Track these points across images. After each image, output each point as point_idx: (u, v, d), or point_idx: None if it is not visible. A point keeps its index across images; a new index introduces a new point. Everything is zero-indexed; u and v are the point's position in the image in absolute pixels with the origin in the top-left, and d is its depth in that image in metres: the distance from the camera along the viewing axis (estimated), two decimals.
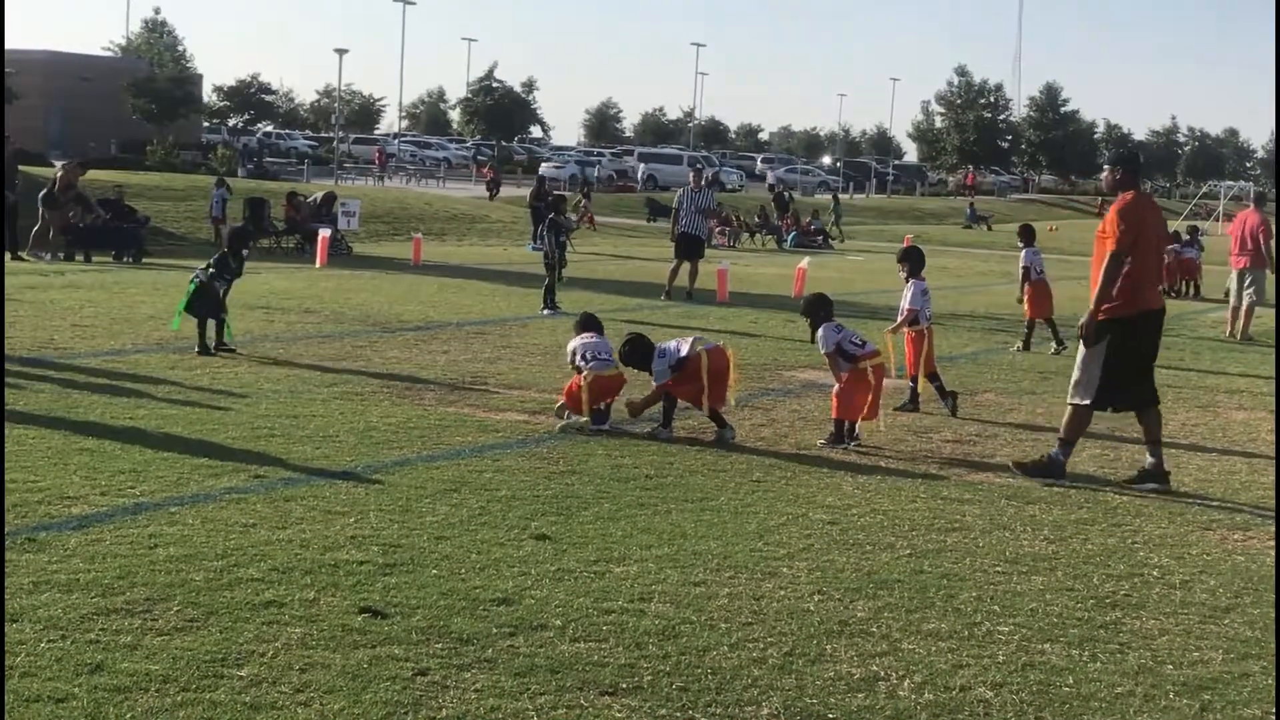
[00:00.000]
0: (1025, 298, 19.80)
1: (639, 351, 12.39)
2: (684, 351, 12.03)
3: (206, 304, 15.52)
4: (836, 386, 12.13)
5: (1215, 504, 10.38)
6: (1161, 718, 6.13)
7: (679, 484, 10.18)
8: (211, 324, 15.57)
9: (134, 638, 6.41)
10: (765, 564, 8.19)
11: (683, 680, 6.25)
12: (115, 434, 10.88)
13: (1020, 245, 20.10)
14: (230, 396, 12.82)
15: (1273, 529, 9.67)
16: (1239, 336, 22.81)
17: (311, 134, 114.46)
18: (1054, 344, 19.13)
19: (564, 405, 12.28)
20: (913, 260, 14.40)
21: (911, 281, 14.08)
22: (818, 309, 12.47)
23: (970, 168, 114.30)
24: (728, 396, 12.12)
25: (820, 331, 12.23)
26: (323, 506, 8.99)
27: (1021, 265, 19.81)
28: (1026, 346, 19.35)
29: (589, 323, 13.00)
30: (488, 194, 55.26)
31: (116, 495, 9.00)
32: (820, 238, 49.59)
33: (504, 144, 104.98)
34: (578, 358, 12.37)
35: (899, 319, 14.15)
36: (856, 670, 6.51)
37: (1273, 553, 9.03)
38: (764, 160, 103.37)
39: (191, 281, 15.72)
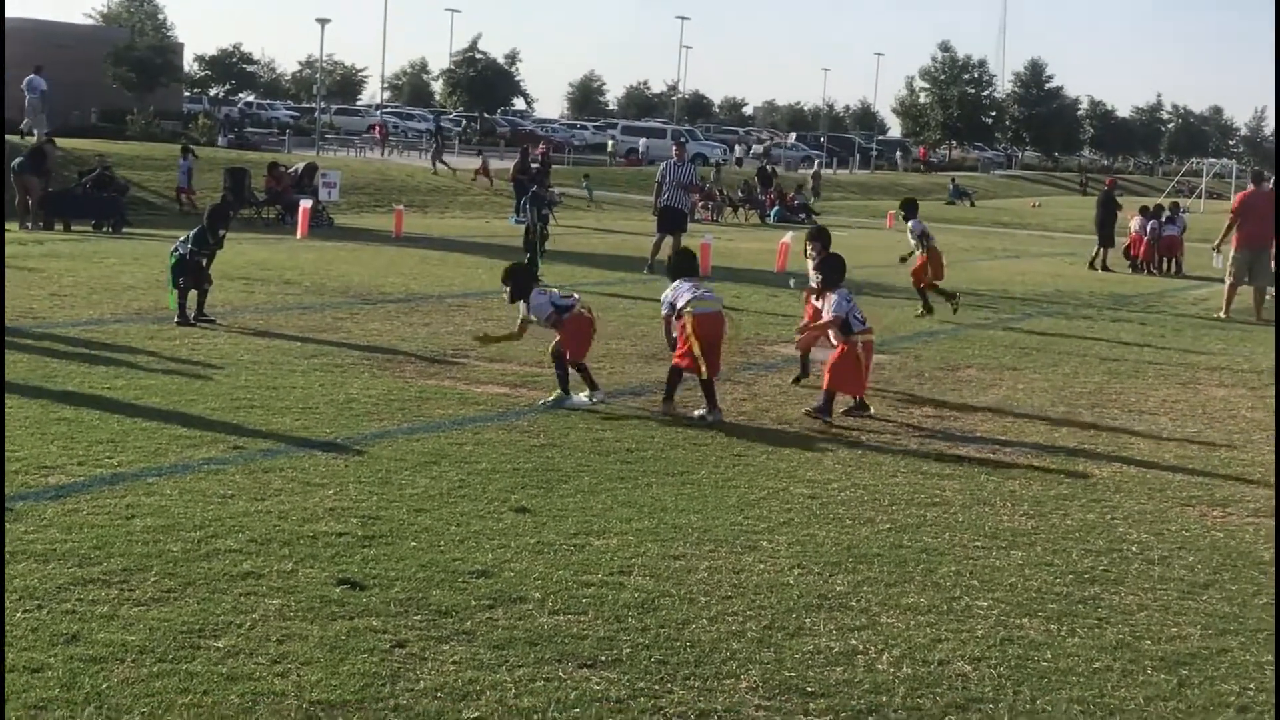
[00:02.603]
0: (918, 264, 20.08)
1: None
2: (678, 301, 11.89)
3: (189, 275, 15.45)
4: (830, 359, 12.11)
5: (1195, 480, 10.40)
6: (1139, 693, 6.15)
7: (659, 457, 10.17)
8: (193, 294, 15.50)
9: (110, 608, 6.39)
10: (745, 538, 8.19)
11: (661, 653, 6.25)
12: (93, 404, 10.83)
13: (905, 218, 20.41)
14: (209, 367, 12.77)
15: (1251, 505, 9.70)
16: (1258, 318, 22.57)
17: (293, 104, 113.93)
18: (922, 309, 19.91)
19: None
20: (828, 258, 13.02)
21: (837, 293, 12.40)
22: (838, 272, 12.46)
23: (921, 145, 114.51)
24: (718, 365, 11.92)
25: (834, 296, 12.18)
26: (302, 478, 8.96)
27: (915, 235, 20.04)
28: (929, 310, 19.91)
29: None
30: (431, 167, 53.64)
31: (94, 465, 8.96)
32: (804, 214, 49.53)
33: (486, 116, 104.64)
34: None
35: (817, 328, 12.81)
36: (835, 644, 6.51)
37: (1251, 529, 9.05)
38: (738, 141, 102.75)
39: (171, 255, 15.64)
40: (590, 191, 49.95)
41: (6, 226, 26.71)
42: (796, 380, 13.55)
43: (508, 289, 12.25)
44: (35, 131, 37.39)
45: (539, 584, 7.10)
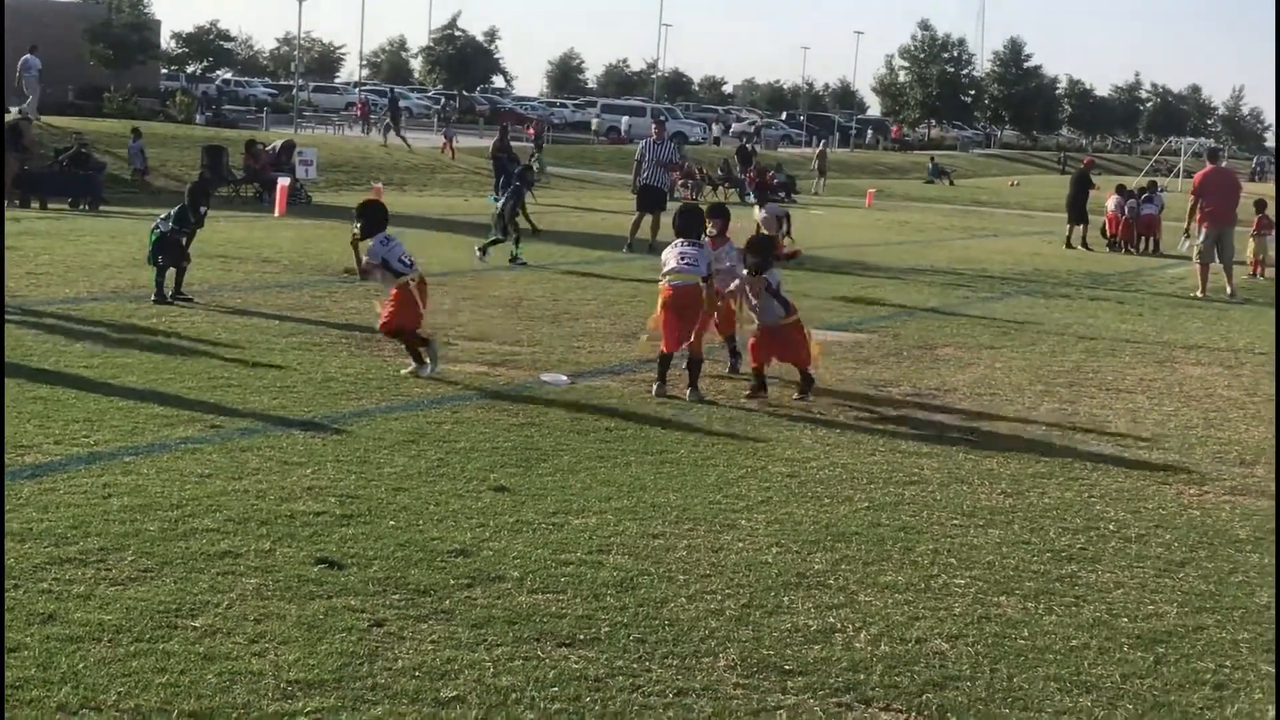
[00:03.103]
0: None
1: (367, 220, 12.36)
2: (665, 264, 11.88)
3: (168, 253, 15.36)
4: (751, 340, 12.06)
5: (1171, 458, 10.44)
6: (1116, 670, 6.17)
7: (638, 436, 10.17)
8: (171, 272, 15.42)
9: (87, 587, 6.36)
10: (724, 516, 8.19)
11: (640, 631, 6.25)
12: (70, 382, 10.78)
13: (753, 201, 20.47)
14: (187, 346, 12.72)
15: (1228, 483, 9.74)
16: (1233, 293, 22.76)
17: (270, 82, 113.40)
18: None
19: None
20: (723, 219, 13.24)
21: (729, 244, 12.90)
22: (767, 254, 12.31)
23: (896, 124, 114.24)
24: (694, 339, 11.73)
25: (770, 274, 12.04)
26: (279, 457, 8.94)
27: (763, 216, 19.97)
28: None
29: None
30: (383, 140, 53.90)
31: (71, 444, 8.92)
32: (784, 193, 49.46)
33: (465, 94, 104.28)
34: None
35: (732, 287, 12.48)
36: (813, 622, 6.52)
37: (1227, 507, 9.09)
38: (716, 120, 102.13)
39: (152, 233, 15.54)
40: (544, 164, 49.68)
41: None
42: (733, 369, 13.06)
43: (359, 223, 12.37)
44: (33, 109, 37.94)
45: (518, 563, 7.10)
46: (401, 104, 63.34)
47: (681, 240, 12.03)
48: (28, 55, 39.22)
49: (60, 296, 15.44)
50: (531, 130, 56.78)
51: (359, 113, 74.14)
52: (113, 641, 5.75)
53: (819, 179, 57.96)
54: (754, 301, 12.00)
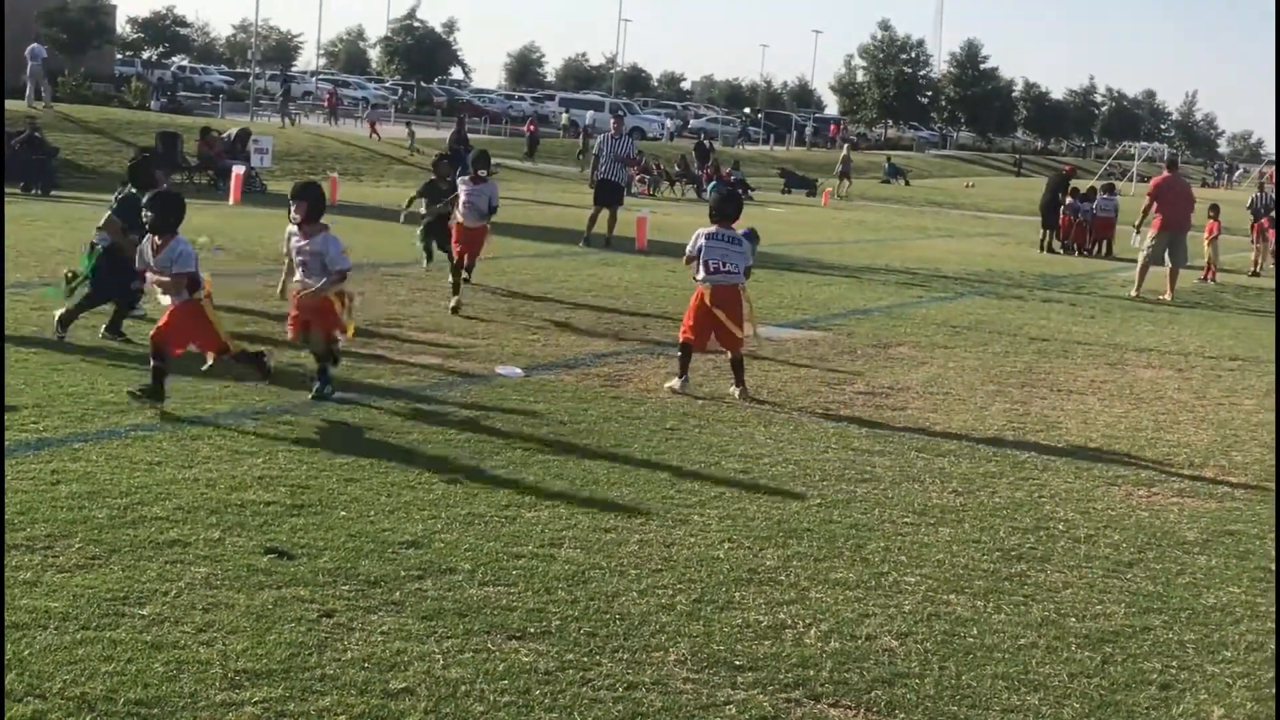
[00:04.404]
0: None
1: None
2: (700, 251, 11.68)
3: (105, 285, 14.89)
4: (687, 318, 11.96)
5: (1121, 460, 10.52)
6: (1063, 669, 6.21)
7: (592, 430, 10.16)
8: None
9: (34, 574, 6.30)
10: (676, 511, 8.20)
11: (590, 625, 6.25)
12: (19, 369, 10.67)
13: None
14: (138, 334, 12.59)
15: (1176, 485, 9.82)
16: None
17: (227, 69, 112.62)
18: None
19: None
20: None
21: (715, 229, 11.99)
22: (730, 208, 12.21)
23: (839, 121, 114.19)
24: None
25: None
26: (230, 446, 8.88)
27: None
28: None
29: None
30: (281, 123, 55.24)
31: (19, 430, 8.83)
32: (742, 189, 49.51)
33: (423, 85, 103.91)
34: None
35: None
36: (764, 618, 6.53)
37: (1175, 509, 9.17)
38: (671, 116, 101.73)
39: (89, 252, 15.02)
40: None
41: None
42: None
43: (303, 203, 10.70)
44: (43, 96, 40.01)
45: (469, 555, 7.08)
46: (295, 88, 66.70)
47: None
48: (34, 44, 41.73)
49: (11, 281, 15.26)
50: (531, 127, 58.47)
51: (328, 104, 73.79)
52: (59, 629, 5.70)
53: (843, 182, 56.16)
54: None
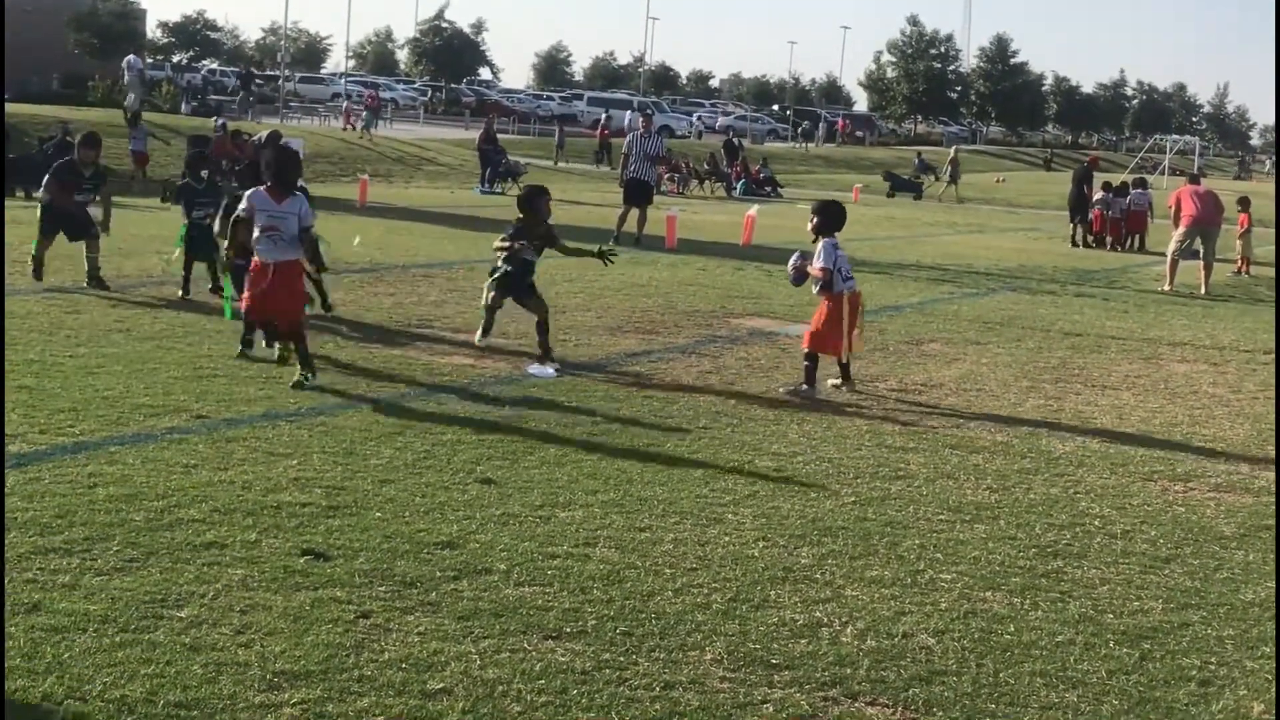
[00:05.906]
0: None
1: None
2: (838, 267, 11.96)
3: (196, 244, 15.15)
4: (810, 326, 12.16)
5: (1157, 455, 10.46)
6: (1101, 666, 6.18)
7: (625, 430, 10.16)
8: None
9: (72, 577, 6.34)
10: (710, 510, 8.19)
11: (626, 625, 6.25)
12: (55, 372, 10.74)
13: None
14: (173, 336, 12.69)
15: (1212, 480, 9.77)
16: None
17: (257, 71, 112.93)
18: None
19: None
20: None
21: (823, 240, 12.20)
22: (834, 219, 12.39)
23: (841, 115, 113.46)
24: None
25: (821, 244, 12.14)
26: (265, 448, 8.92)
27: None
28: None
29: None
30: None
31: (56, 434, 8.89)
32: (770, 187, 49.46)
33: (452, 85, 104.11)
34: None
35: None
36: (800, 616, 6.52)
37: (1212, 504, 9.12)
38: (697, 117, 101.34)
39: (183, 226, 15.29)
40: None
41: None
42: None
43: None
44: (137, 104, 41.23)
45: (504, 555, 7.09)
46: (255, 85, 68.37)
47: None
48: (131, 55, 44.19)
49: (45, 285, 15.38)
50: (604, 131, 59.71)
51: (368, 104, 73.91)
52: (98, 632, 5.73)
53: (950, 185, 54.57)
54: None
